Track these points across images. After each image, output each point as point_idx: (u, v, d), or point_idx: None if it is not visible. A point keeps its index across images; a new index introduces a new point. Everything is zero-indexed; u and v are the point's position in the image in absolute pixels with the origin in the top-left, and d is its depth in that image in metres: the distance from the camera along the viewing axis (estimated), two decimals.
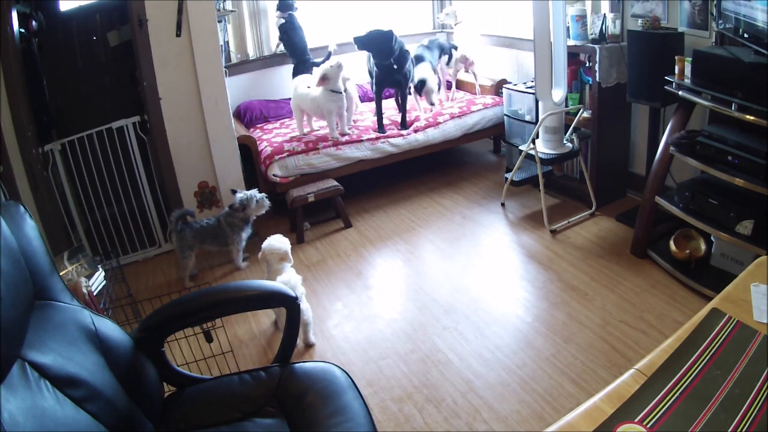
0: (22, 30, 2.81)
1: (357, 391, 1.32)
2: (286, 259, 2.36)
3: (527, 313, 2.40)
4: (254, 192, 2.90)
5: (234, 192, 2.87)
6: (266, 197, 2.93)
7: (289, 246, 2.40)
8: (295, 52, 3.89)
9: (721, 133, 2.23)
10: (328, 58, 3.93)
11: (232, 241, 2.90)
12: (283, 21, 3.83)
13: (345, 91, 3.47)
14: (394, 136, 3.56)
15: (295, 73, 3.83)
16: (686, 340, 1.09)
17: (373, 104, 4.07)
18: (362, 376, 2.11)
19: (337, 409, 1.25)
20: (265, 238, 2.42)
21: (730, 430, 0.88)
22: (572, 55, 3.13)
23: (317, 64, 3.92)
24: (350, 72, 3.57)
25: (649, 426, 0.90)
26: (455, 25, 4.15)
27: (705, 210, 2.34)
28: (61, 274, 1.40)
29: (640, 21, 2.75)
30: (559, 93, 3.07)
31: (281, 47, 4.04)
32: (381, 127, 3.63)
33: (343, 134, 3.50)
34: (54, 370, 1.05)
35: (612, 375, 1.97)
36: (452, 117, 3.79)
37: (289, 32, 3.85)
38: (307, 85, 3.54)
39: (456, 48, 4.11)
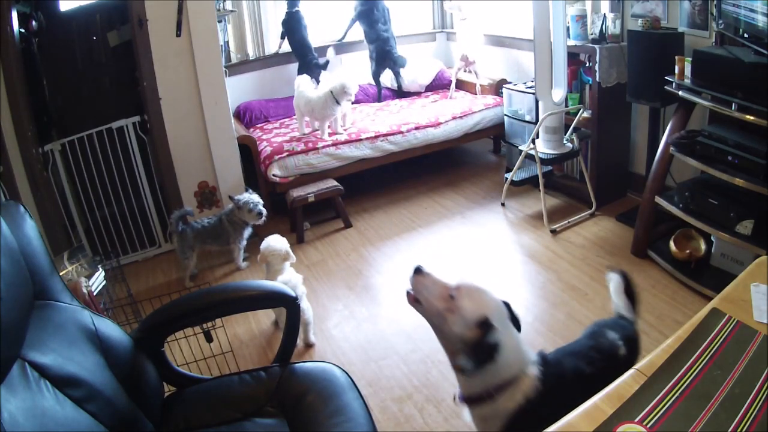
0: (22, 30, 2.81)
1: (357, 391, 1.32)
2: (288, 259, 2.36)
3: (527, 313, 2.40)
4: (255, 198, 2.85)
5: (232, 199, 2.85)
6: (261, 204, 2.83)
7: (288, 245, 2.40)
8: (296, 51, 3.88)
9: (721, 133, 2.22)
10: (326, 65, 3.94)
11: (234, 240, 2.90)
12: (285, 18, 3.82)
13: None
14: (393, 134, 3.56)
15: (299, 74, 3.80)
16: (686, 340, 1.09)
17: (373, 104, 4.28)
18: (362, 376, 2.11)
19: (337, 409, 1.25)
20: (265, 238, 2.42)
21: (730, 430, 0.88)
22: (572, 55, 3.13)
23: (321, 66, 3.90)
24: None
25: (649, 426, 0.90)
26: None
27: (705, 210, 2.34)
28: (61, 274, 1.40)
29: (640, 21, 2.75)
30: (559, 93, 3.06)
31: (284, 47, 4.03)
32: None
33: (334, 134, 3.51)
34: (54, 370, 1.04)
35: None
36: (454, 117, 3.79)
37: (291, 29, 3.83)
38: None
39: None
